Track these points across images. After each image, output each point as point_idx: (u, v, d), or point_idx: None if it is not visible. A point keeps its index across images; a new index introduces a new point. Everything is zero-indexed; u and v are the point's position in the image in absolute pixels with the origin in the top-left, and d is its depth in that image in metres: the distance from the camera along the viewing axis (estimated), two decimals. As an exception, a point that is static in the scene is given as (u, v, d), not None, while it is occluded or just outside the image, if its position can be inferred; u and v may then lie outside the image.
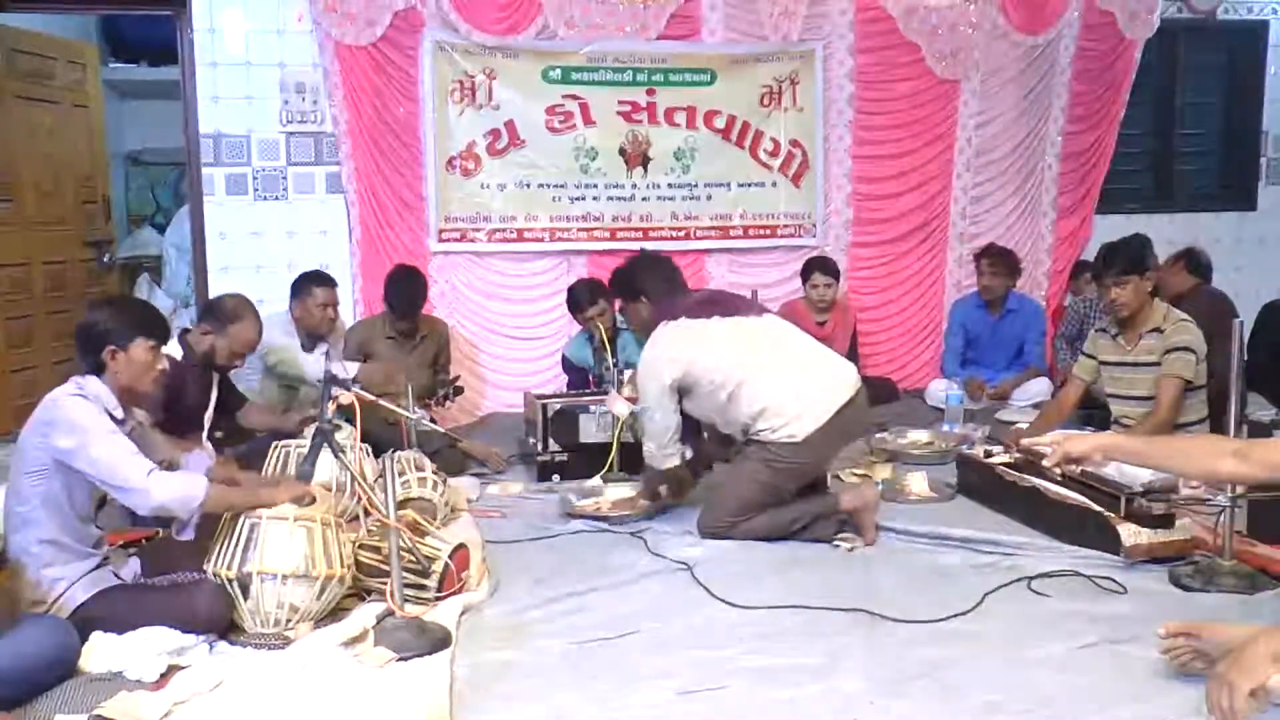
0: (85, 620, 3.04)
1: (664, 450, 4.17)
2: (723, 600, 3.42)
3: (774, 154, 6.74)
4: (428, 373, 5.55)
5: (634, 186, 6.61)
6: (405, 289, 5.44)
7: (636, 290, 4.38)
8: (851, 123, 6.84)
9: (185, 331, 4.54)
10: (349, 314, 6.24)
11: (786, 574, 3.67)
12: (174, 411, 4.23)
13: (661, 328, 4.17)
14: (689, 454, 4.35)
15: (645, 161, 6.60)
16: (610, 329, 5.39)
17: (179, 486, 3.11)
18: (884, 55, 6.81)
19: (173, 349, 4.36)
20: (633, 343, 5.56)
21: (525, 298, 6.61)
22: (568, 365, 5.84)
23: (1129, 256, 4.54)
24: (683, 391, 4.10)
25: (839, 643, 3.08)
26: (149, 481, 3.05)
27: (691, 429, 4.28)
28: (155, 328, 3.29)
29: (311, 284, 5.35)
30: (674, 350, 4.09)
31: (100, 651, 2.95)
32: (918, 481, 4.65)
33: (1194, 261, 5.76)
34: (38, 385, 5.62)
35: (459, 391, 5.51)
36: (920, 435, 5.49)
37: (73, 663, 2.91)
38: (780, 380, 4.02)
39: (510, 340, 6.60)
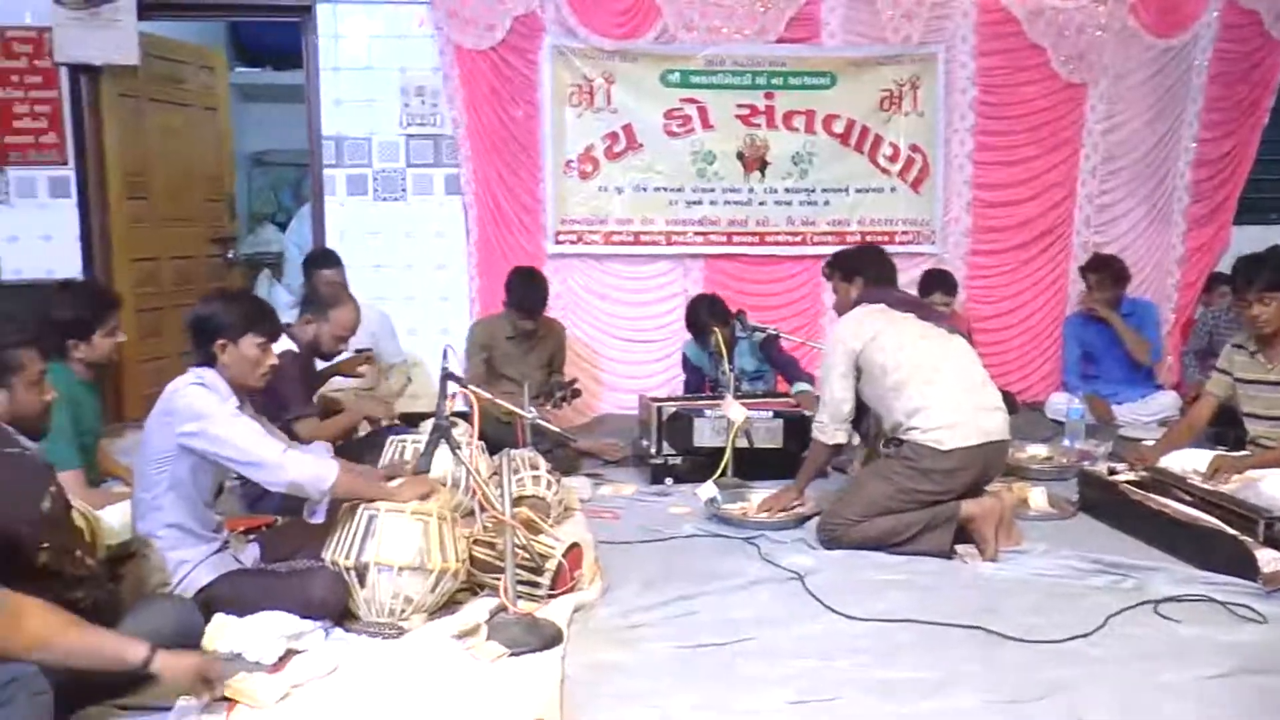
0: (207, 602, 3.14)
1: (836, 424, 4.19)
2: (835, 611, 3.38)
3: (893, 159, 6.66)
4: (543, 373, 5.60)
5: (751, 191, 6.59)
6: (531, 288, 5.47)
7: (855, 270, 4.39)
8: (973, 128, 6.72)
9: (288, 326, 4.63)
10: (464, 313, 6.34)
11: (901, 587, 3.62)
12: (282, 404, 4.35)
13: (861, 307, 4.24)
14: (856, 439, 4.38)
15: (763, 166, 6.57)
16: (729, 338, 5.38)
17: (312, 466, 3.20)
18: (1008, 58, 6.68)
19: (283, 343, 4.46)
20: (748, 351, 5.56)
21: (641, 300, 6.63)
22: (687, 364, 5.83)
23: (1275, 270, 4.33)
24: (857, 370, 4.14)
25: (955, 659, 3.02)
26: (284, 458, 3.14)
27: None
28: (265, 324, 3.36)
29: (319, 265, 5.54)
30: (863, 325, 4.13)
31: (222, 632, 3.05)
32: (1037, 496, 4.54)
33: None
34: (165, 375, 5.74)
35: (576, 394, 5.54)
36: (1040, 449, 5.37)
37: (197, 642, 3.01)
38: (947, 390, 3.99)
39: (625, 343, 6.62)
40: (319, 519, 3.42)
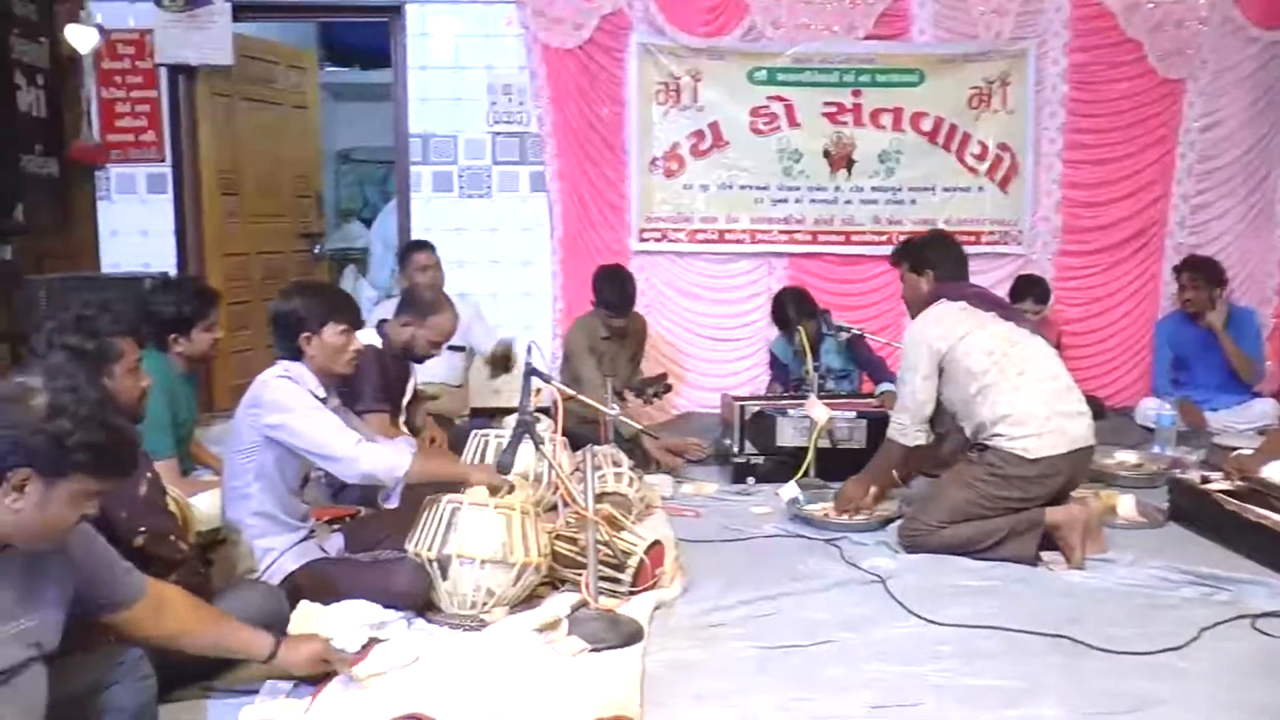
0: (293, 589, 3.19)
1: (916, 425, 4.08)
2: (918, 615, 3.34)
3: (981, 157, 6.56)
4: (630, 367, 5.62)
5: (837, 189, 6.54)
6: (621, 288, 5.45)
7: (926, 262, 4.25)
8: (1064, 125, 6.59)
9: (383, 323, 4.69)
10: (547, 310, 6.38)
11: (985, 593, 3.56)
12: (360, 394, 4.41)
13: (941, 304, 4.11)
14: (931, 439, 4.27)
15: (849, 164, 6.52)
16: (814, 335, 5.35)
17: (385, 456, 3.25)
18: (1101, 54, 6.54)
19: (371, 338, 4.52)
20: (834, 349, 5.52)
21: (725, 299, 6.62)
22: (774, 361, 5.81)
23: None
24: (939, 372, 4.04)
25: (1039, 668, 2.97)
26: (357, 450, 3.20)
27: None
28: (345, 312, 3.42)
29: (413, 249, 5.62)
30: (948, 325, 4.02)
31: (307, 619, 3.09)
32: (1126, 504, 4.44)
33: None
34: (253, 366, 5.89)
35: (667, 389, 5.56)
36: (1128, 456, 5.23)
37: (283, 628, 3.06)
38: (1034, 396, 3.89)
39: (708, 341, 6.62)
40: (393, 503, 3.47)
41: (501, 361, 5.55)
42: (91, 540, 2.18)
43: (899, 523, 4.13)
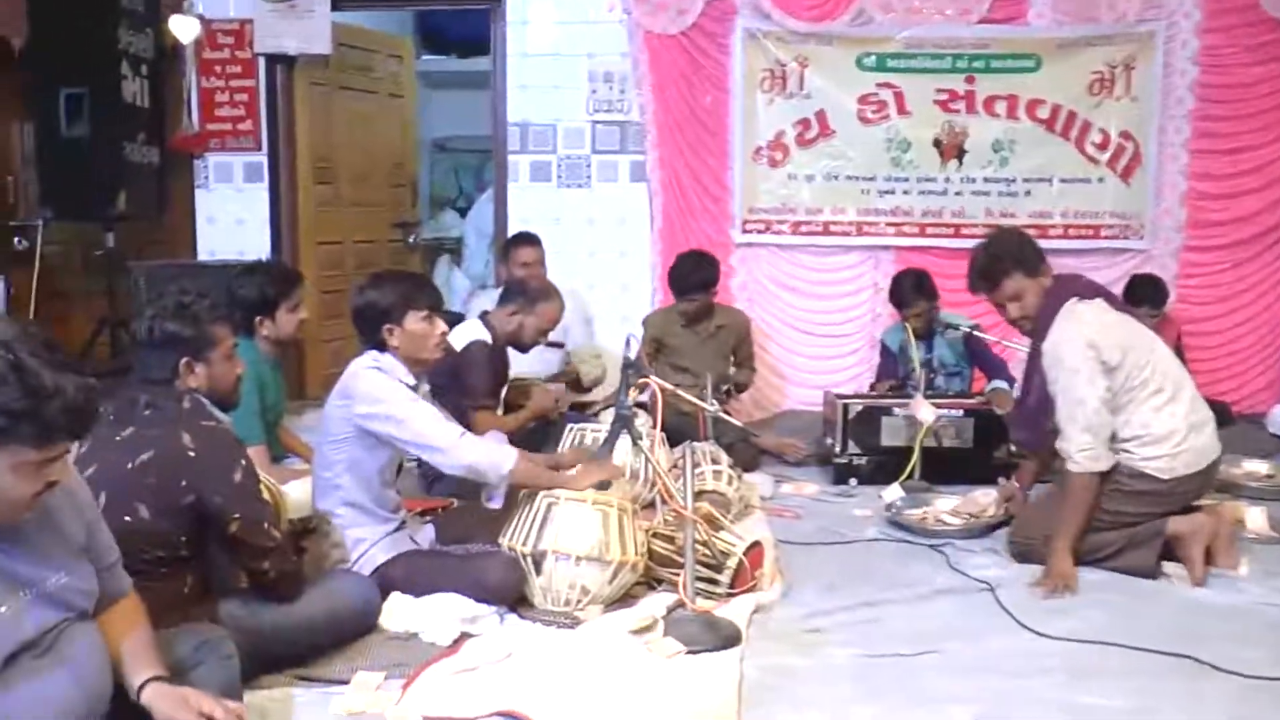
0: (384, 580, 3.26)
1: (1103, 444, 3.67)
2: (1028, 627, 3.27)
3: (1102, 147, 6.40)
4: (724, 364, 5.58)
5: (947, 180, 6.44)
6: (687, 269, 5.45)
7: (1036, 258, 3.87)
8: (1191, 112, 6.38)
9: (486, 314, 4.74)
10: (646, 302, 6.39)
11: (1099, 606, 3.47)
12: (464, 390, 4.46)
13: (1083, 304, 3.76)
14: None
15: (960, 154, 6.41)
16: (925, 327, 5.28)
17: (489, 450, 3.30)
18: (1237, 35, 6.30)
19: (477, 331, 4.58)
20: (945, 345, 5.44)
21: (829, 293, 6.56)
22: (885, 352, 5.74)
23: None
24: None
25: (1156, 689, 2.88)
26: (460, 442, 3.24)
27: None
28: (423, 296, 3.44)
29: (518, 243, 5.63)
30: (1112, 331, 3.72)
31: (399, 611, 3.15)
32: (1255, 517, 4.27)
33: None
34: (345, 355, 5.99)
35: (740, 388, 5.59)
36: (1259, 466, 5.06)
37: (375, 619, 3.13)
38: (1172, 414, 3.69)
39: (811, 336, 6.57)
40: (496, 504, 3.51)
41: (573, 383, 5.55)
42: (97, 519, 2.19)
43: (1009, 529, 4.05)
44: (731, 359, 5.65)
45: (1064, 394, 3.70)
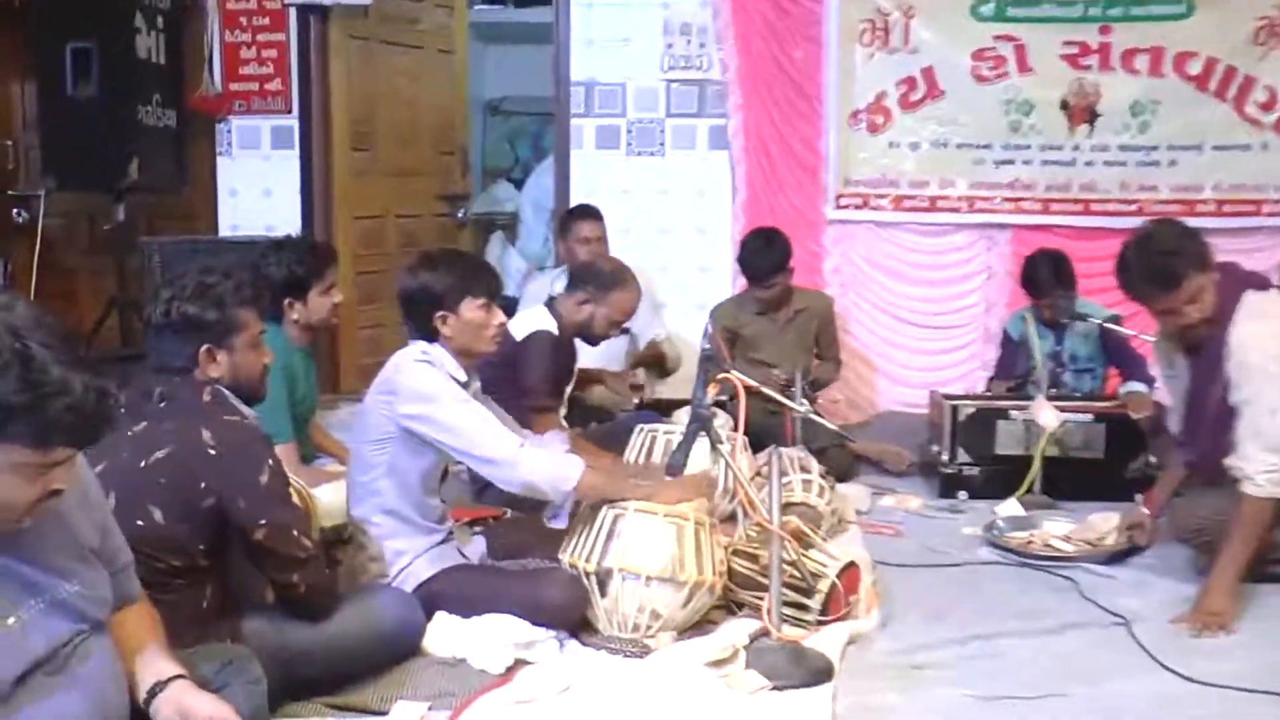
0: (428, 598, 3.28)
1: None
2: (1170, 669, 3.22)
3: (1267, 107, 6.25)
4: (806, 355, 5.55)
5: (1075, 148, 6.34)
6: (758, 250, 5.44)
7: (1205, 250, 3.69)
8: (1377, 65, 6.24)
9: (553, 299, 4.74)
10: (725, 286, 6.37)
11: (1258, 646, 3.40)
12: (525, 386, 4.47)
13: (1262, 297, 3.68)
14: None
15: (1092, 117, 6.31)
16: (1056, 318, 5.21)
17: (553, 465, 3.29)
18: None
19: (543, 320, 4.58)
20: (1080, 339, 5.35)
21: (935, 278, 6.51)
22: (1007, 342, 5.66)
23: None
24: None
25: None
26: (519, 455, 3.24)
27: None
28: (482, 282, 3.46)
29: (577, 217, 5.66)
30: None
31: (445, 633, 3.17)
32: None
33: None
34: (383, 344, 6.07)
35: (821, 384, 5.57)
36: None
37: (418, 641, 3.15)
38: None
39: (914, 328, 6.53)
40: (560, 523, 3.52)
41: (655, 364, 5.55)
42: (109, 519, 2.21)
43: (1174, 523, 3.99)
44: (813, 349, 5.65)
45: (1250, 404, 3.57)
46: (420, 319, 3.41)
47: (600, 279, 4.66)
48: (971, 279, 6.45)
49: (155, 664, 2.20)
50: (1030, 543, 4.29)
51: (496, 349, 3.57)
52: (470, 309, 3.40)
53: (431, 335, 3.40)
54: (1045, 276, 5.31)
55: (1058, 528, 4.40)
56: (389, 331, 6.78)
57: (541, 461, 3.29)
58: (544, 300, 4.77)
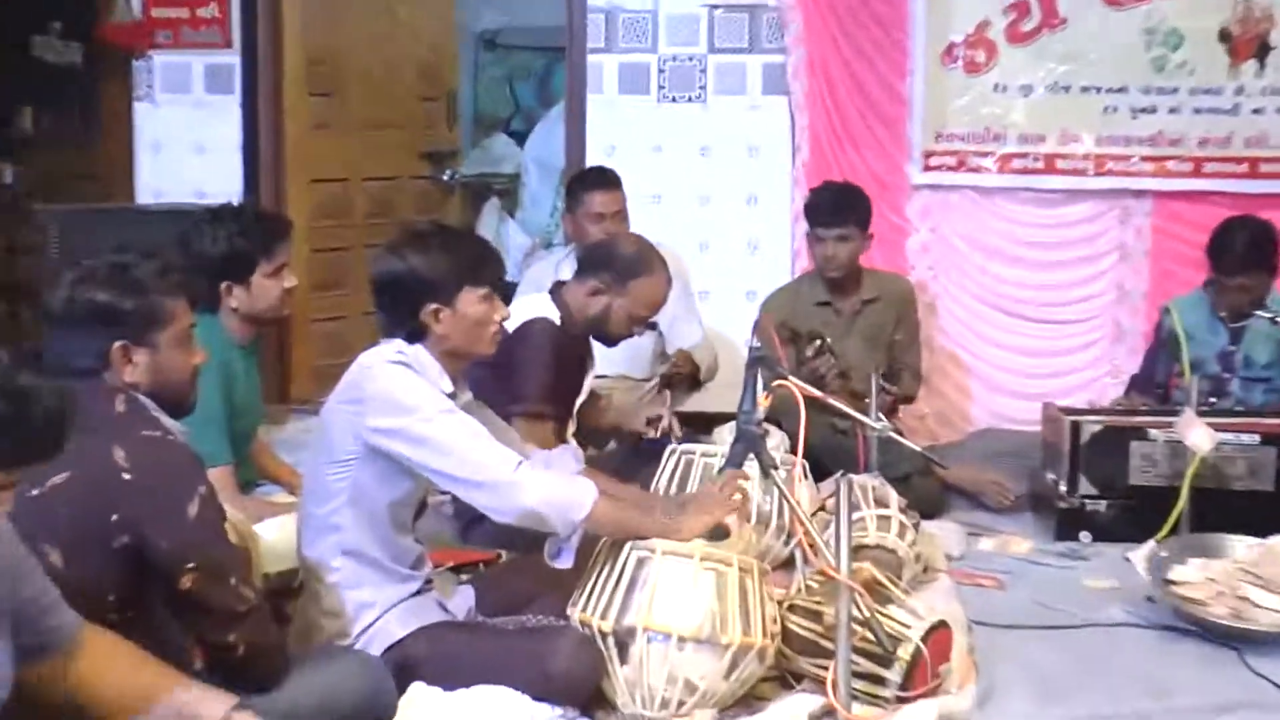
0: (402, 663, 3.28)
1: None
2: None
3: None
4: (881, 355, 5.53)
5: (1239, 92, 6.33)
6: (836, 193, 5.46)
7: None
8: None
9: (560, 286, 4.73)
10: (783, 268, 6.39)
11: None
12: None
13: None
14: None
15: (1262, 51, 6.31)
16: (1238, 309, 5.18)
17: (561, 489, 3.28)
18: None
19: (544, 308, 4.57)
20: (1261, 339, 5.33)
21: (1052, 260, 6.51)
22: (1159, 333, 5.63)
23: None
24: None
25: None
26: (519, 475, 3.23)
27: None
28: (486, 268, 3.47)
29: (588, 185, 5.64)
30: None
31: (423, 708, 3.17)
32: None
33: None
34: (347, 341, 6.12)
35: (902, 398, 5.55)
36: None
37: (389, 717, 3.14)
38: None
39: (1021, 321, 6.54)
40: (565, 563, 3.48)
41: (688, 380, 5.55)
42: (16, 547, 2.24)
43: None
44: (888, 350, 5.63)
45: None
46: (403, 311, 3.40)
47: (618, 263, 4.60)
48: (1099, 260, 6.45)
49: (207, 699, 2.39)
50: (1218, 593, 4.18)
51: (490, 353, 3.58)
52: (470, 301, 3.41)
53: (416, 332, 3.40)
54: (1242, 252, 5.26)
55: (1240, 550, 4.36)
56: (354, 325, 6.82)
57: (546, 484, 3.28)
58: (548, 287, 4.76)
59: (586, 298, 4.58)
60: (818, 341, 5.04)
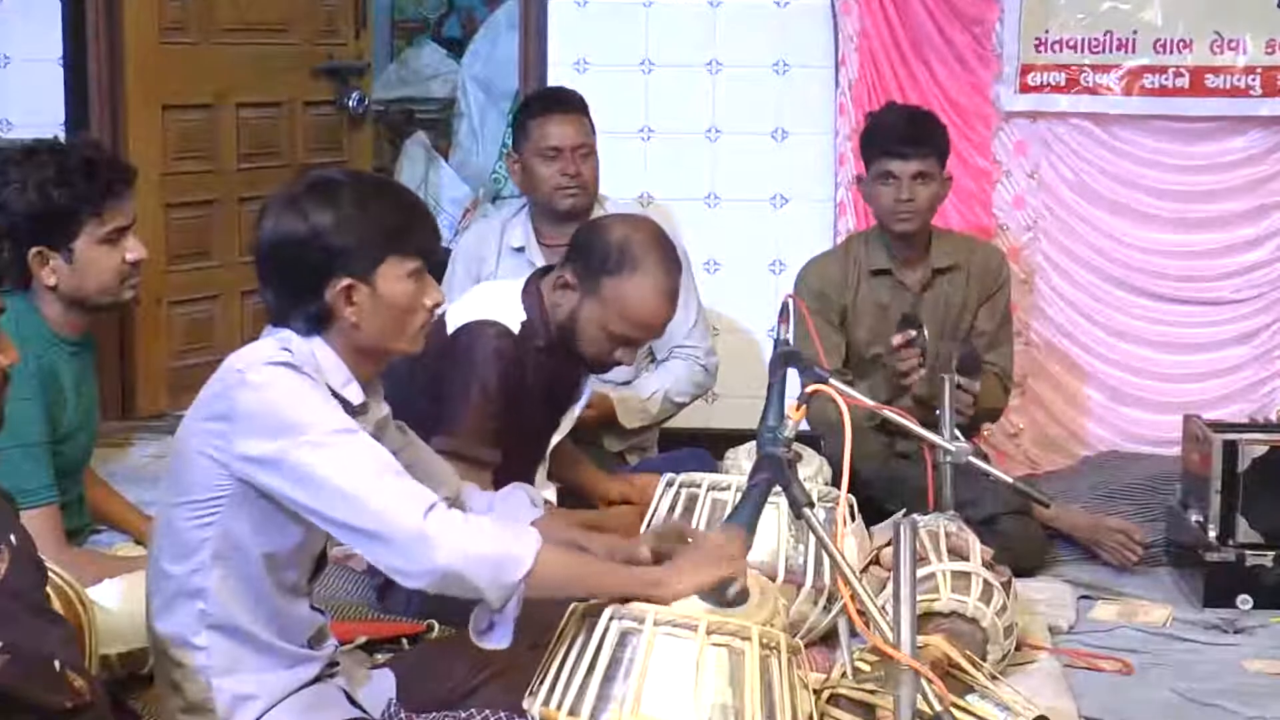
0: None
1: None
2: None
3: None
4: (961, 345, 5.43)
5: None
6: (905, 110, 5.55)
7: None
8: None
9: (542, 274, 4.65)
10: (818, 235, 6.41)
11: None
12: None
13: None
14: None
15: None
16: None
17: (490, 541, 3.23)
18: None
19: (505, 305, 4.53)
20: None
21: (1197, 215, 6.55)
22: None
23: None
24: None
25: None
26: (429, 524, 3.16)
27: None
28: (414, 233, 3.41)
29: (545, 109, 5.59)
30: None
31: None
32: None
33: None
34: (215, 335, 6.15)
35: (988, 412, 5.58)
36: None
37: None
38: None
39: (1156, 303, 6.58)
40: (498, 641, 3.44)
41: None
42: None
43: None
44: (969, 338, 5.63)
45: None
46: (300, 290, 3.33)
47: (595, 248, 4.45)
48: (1265, 216, 6.47)
49: None
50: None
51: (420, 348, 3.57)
52: (393, 278, 3.34)
53: (316, 319, 3.35)
54: None
55: None
56: (224, 308, 6.85)
57: (469, 535, 3.14)
58: (489, 256, 4.72)
59: (552, 292, 4.51)
60: (912, 331, 5.00)
